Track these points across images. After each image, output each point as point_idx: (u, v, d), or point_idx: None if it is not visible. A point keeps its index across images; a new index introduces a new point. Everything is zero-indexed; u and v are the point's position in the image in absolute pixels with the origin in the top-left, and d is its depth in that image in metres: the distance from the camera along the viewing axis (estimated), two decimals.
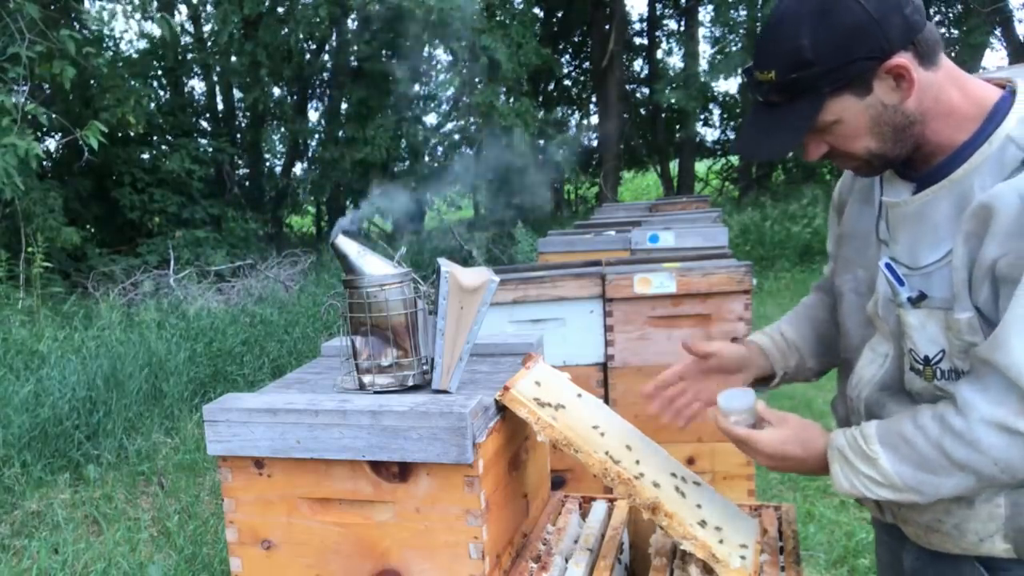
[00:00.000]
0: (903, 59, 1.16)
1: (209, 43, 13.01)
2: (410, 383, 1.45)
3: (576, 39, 18.75)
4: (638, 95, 18.74)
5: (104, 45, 11.56)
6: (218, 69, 13.49)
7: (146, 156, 12.02)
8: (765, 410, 1.38)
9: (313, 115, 15.37)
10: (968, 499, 1.24)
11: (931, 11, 16.39)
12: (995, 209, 1.11)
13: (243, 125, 14.49)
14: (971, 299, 1.17)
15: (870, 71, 1.16)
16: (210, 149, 12.72)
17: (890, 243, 1.30)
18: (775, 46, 1.19)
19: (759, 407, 1.40)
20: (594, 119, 18.30)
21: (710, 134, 19.18)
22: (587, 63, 18.66)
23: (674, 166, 18.33)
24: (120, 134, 10.97)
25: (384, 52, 12.07)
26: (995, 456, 1.13)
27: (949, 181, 1.20)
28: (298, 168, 15.17)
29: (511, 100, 11.94)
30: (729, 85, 17.51)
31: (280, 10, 12.29)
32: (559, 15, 17.81)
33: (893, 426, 1.24)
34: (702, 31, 16.21)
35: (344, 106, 13.56)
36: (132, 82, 10.69)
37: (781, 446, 1.34)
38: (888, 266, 1.28)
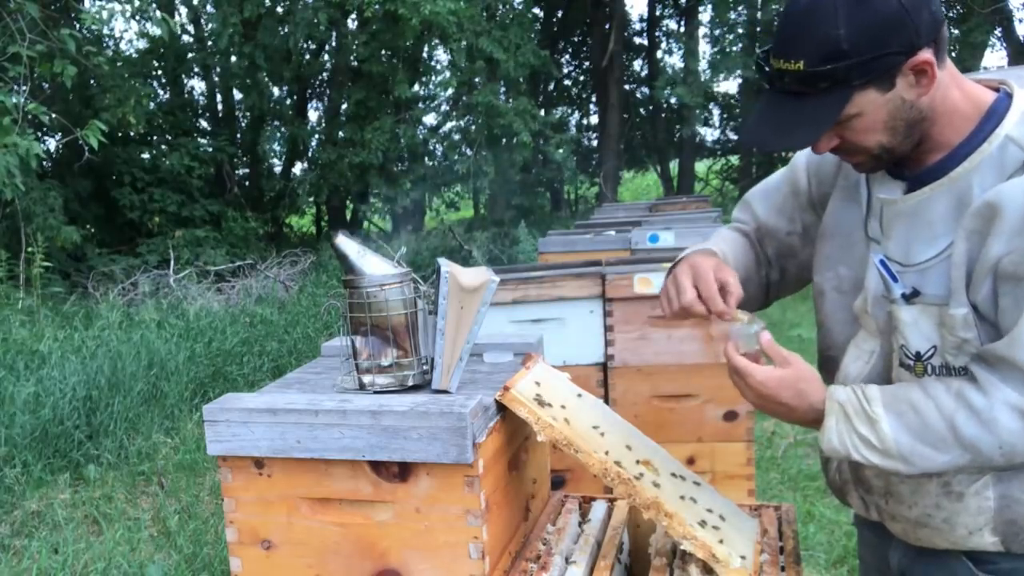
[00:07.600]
0: (928, 55, 1.15)
1: (209, 43, 13.00)
2: (410, 383, 1.45)
3: (576, 39, 18.76)
4: (638, 95, 18.74)
5: (104, 44, 11.54)
6: (218, 69, 13.48)
7: (146, 156, 12.01)
8: (771, 346, 1.30)
9: (313, 115, 15.39)
10: (958, 492, 1.25)
11: None
12: (1001, 208, 1.12)
13: (243, 125, 14.48)
14: (968, 296, 1.17)
15: (897, 66, 1.14)
16: (210, 149, 12.71)
17: (882, 240, 1.29)
18: (807, 34, 1.15)
19: (764, 341, 1.31)
20: (594, 119, 18.29)
21: (710, 134, 19.24)
22: (587, 63, 18.65)
23: (674, 166, 18.34)
24: (120, 134, 10.96)
25: (383, 52, 12.04)
26: (1006, 439, 1.13)
27: (948, 179, 1.20)
28: (298, 168, 15.17)
29: (510, 100, 11.93)
30: (729, 86, 17.54)
31: (280, 10, 12.27)
32: (559, 15, 17.81)
33: (900, 392, 1.21)
34: (702, 31, 16.22)
35: (344, 107, 13.55)
36: (132, 82, 10.67)
37: (775, 387, 1.26)
38: (882, 262, 1.27)
